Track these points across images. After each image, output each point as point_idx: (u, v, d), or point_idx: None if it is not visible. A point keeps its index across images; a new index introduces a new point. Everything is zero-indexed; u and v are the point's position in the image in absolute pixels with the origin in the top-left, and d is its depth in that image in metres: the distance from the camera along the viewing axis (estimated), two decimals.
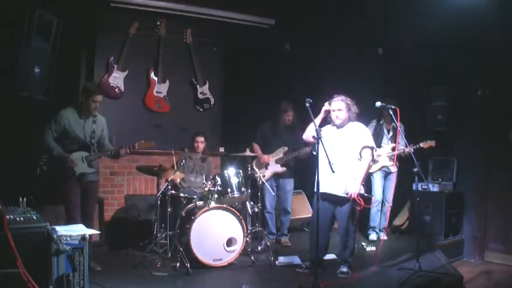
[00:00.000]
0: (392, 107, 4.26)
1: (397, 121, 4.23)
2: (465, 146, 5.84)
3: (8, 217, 2.92)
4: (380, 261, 4.47)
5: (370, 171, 5.63)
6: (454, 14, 5.21)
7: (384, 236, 5.40)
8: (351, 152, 4.07)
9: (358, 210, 4.07)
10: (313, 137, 3.85)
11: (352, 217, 4.08)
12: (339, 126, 4.16)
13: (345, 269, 4.09)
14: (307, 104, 3.89)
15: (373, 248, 5.09)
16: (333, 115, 4.11)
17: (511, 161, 5.40)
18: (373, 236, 5.66)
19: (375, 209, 5.67)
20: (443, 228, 5.52)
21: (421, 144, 4.85)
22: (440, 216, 5.56)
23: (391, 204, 5.61)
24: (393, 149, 5.54)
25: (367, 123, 5.68)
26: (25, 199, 3.28)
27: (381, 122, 5.71)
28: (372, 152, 4.17)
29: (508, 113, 5.39)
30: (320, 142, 3.75)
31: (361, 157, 4.11)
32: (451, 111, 5.84)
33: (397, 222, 6.08)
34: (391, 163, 5.57)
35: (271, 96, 5.94)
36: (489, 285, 4.63)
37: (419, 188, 5.25)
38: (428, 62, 5.84)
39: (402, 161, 5.60)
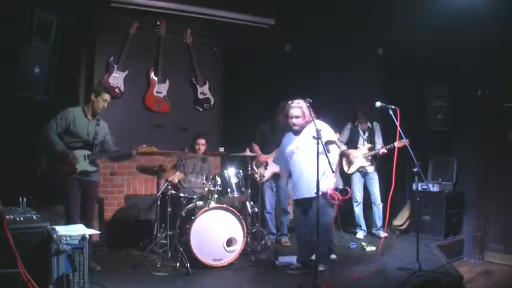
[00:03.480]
0: (392, 107, 4.26)
1: (397, 121, 4.23)
2: (465, 146, 5.84)
3: (8, 217, 2.92)
4: (380, 261, 4.47)
5: (348, 172, 5.68)
6: (454, 13, 5.21)
7: (383, 234, 5.40)
8: (313, 152, 3.88)
9: (337, 205, 4.03)
10: (313, 137, 3.84)
11: (326, 214, 3.98)
12: (297, 132, 4.14)
13: (321, 268, 3.97)
14: (307, 104, 3.90)
15: (373, 248, 5.09)
16: (290, 121, 4.08)
17: (511, 161, 5.40)
18: (359, 234, 5.74)
19: (357, 208, 5.74)
20: (443, 228, 5.53)
21: (395, 143, 4.82)
22: (440, 216, 5.56)
23: (381, 203, 5.64)
24: (370, 149, 5.59)
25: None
26: (25, 199, 3.28)
27: (356, 124, 5.76)
28: (337, 145, 4.18)
29: (508, 113, 5.39)
30: (320, 142, 3.75)
31: (329, 151, 4.00)
32: (451, 111, 5.85)
33: (397, 222, 6.08)
34: (368, 163, 5.62)
35: (271, 96, 5.93)
36: (489, 285, 4.63)
37: (419, 188, 5.25)
38: (428, 62, 5.84)
39: (378, 160, 5.71)
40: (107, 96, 4.24)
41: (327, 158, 3.80)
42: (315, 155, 3.84)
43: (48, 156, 4.08)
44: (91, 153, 4.18)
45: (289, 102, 4.11)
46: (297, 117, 4.07)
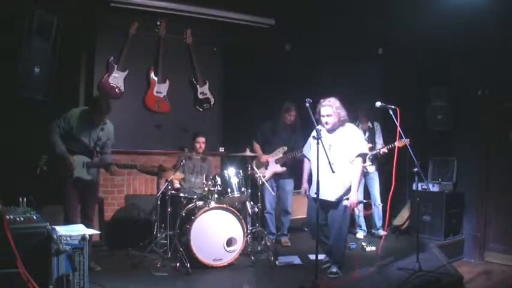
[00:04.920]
0: (392, 107, 4.26)
1: (397, 121, 4.23)
2: (465, 146, 5.84)
3: (8, 217, 2.92)
4: (380, 261, 4.47)
5: None
6: (454, 13, 5.22)
7: (383, 232, 5.40)
8: (343, 157, 4.03)
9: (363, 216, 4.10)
10: (313, 137, 3.84)
11: (344, 220, 4.07)
12: (330, 131, 4.13)
13: (334, 269, 4.06)
14: (307, 104, 3.90)
15: (373, 248, 5.09)
16: (323, 120, 4.06)
17: (511, 161, 5.40)
18: (359, 235, 5.74)
19: (356, 210, 5.71)
20: (443, 228, 5.53)
21: (395, 143, 4.82)
22: (440, 216, 5.57)
23: (381, 203, 5.65)
24: (370, 149, 5.57)
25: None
26: (25, 199, 3.28)
27: (356, 124, 5.75)
28: (365, 158, 4.13)
29: (508, 113, 5.39)
30: (320, 142, 3.74)
31: (352, 163, 4.07)
32: (451, 111, 5.85)
33: (397, 222, 6.08)
34: (369, 163, 5.63)
35: (271, 96, 5.94)
36: (489, 285, 4.63)
37: (419, 188, 5.25)
38: (428, 62, 5.84)
39: (378, 160, 5.70)
40: (105, 118, 4.17)
41: (327, 158, 3.79)
42: (344, 158, 3.97)
43: (49, 156, 4.06)
44: (90, 161, 4.16)
45: (321, 100, 4.08)
46: (328, 115, 4.03)
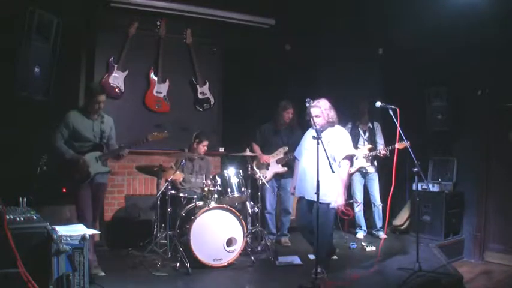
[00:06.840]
0: (392, 107, 4.26)
1: (397, 121, 4.22)
2: (465, 146, 5.85)
3: (8, 217, 2.93)
4: (380, 261, 4.47)
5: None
6: (454, 14, 5.22)
7: (383, 235, 5.40)
8: (329, 157, 3.90)
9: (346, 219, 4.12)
10: (313, 137, 3.84)
11: (328, 218, 4.03)
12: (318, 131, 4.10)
13: (318, 269, 3.90)
14: (307, 105, 3.90)
15: (373, 248, 5.09)
16: (312, 121, 4.07)
17: (511, 161, 5.40)
18: (360, 235, 5.76)
19: (357, 209, 5.72)
20: (443, 228, 5.53)
21: (395, 145, 4.81)
22: (440, 216, 5.57)
23: (381, 203, 5.64)
24: (370, 150, 5.58)
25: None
26: (25, 199, 3.28)
27: (357, 124, 5.75)
28: (352, 160, 4.14)
29: (508, 113, 5.39)
30: (320, 142, 3.74)
31: (339, 165, 4.07)
32: (451, 111, 5.85)
33: (397, 222, 6.08)
34: (368, 164, 5.62)
35: (271, 96, 5.94)
36: (489, 285, 4.63)
37: (419, 188, 5.26)
38: (428, 62, 5.84)
39: (378, 160, 5.71)
40: (100, 98, 4.10)
41: (328, 159, 3.79)
42: (325, 159, 3.84)
43: (56, 161, 3.99)
44: (102, 154, 4.13)
45: (310, 101, 4.07)
46: (316, 116, 4.08)
